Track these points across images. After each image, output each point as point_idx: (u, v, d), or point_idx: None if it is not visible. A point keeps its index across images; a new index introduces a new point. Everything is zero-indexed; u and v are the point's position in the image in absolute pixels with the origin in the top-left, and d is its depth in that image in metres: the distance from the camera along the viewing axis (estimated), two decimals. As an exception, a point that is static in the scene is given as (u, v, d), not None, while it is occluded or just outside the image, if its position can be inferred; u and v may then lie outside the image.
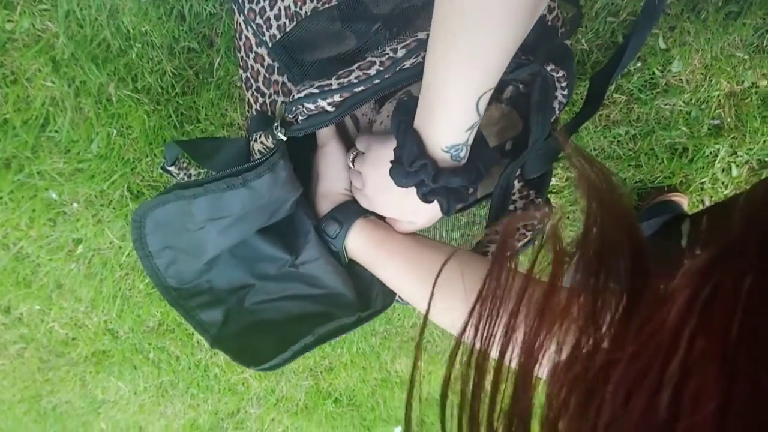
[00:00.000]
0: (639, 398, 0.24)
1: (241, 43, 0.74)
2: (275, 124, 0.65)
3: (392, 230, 0.73)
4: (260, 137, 0.72)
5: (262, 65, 0.73)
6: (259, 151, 0.74)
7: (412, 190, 0.64)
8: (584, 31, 0.98)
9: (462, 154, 0.61)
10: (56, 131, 1.08)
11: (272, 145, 0.70)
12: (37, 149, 1.11)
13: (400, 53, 0.61)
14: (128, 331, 1.58)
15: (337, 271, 0.78)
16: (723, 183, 1.21)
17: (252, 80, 0.75)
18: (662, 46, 1.00)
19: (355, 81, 0.61)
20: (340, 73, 0.63)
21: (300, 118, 0.65)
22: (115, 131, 1.09)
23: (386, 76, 0.62)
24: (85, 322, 1.57)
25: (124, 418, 1.91)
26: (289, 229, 0.77)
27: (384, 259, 0.71)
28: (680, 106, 1.09)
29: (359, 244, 0.73)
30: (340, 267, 0.79)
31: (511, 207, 0.84)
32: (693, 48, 1.00)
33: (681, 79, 1.05)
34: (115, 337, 1.61)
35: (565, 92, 0.72)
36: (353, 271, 0.81)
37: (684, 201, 1.21)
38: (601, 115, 1.11)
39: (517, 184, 0.82)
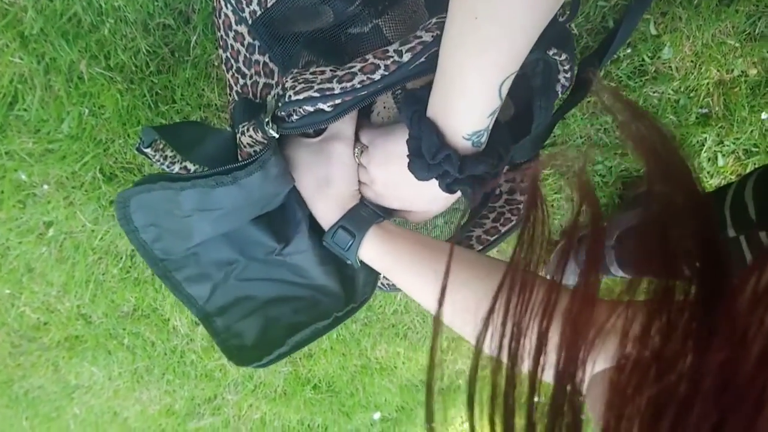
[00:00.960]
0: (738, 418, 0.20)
1: (220, 21, 0.70)
2: (266, 119, 0.62)
3: (408, 236, 0.69)
4: (248, 129, 0.69)
5: (242, 44, 0.70)
6: (247, 144, 0.71)
7: (431, 181, 0.62)
8: (574, 15, 0.95)
9: (483, 140, 0.59)
10: (25, 110, 1.04)
11: (262, 139, 0.67)
12: (5, 128, 1.06)
13: (405, 57, 0.58)
14: (102, 316, 1.54)
15: (324, 263, 0.78)
16: (708, 172, 1.21)
17: (232, 60, 0.71)
18: (653, 32, 0.98)
19: (358, 86, 0.59)
20: (341, 75, 0.60)
21: (294, 117, 0.62)
22: (86, 111, 1.04)
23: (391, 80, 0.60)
24: (57, 307, 1.52)
25: (99, 403, 1.87)
26: (280, 217, 0.75)
27: (402, 270, 0.67)
28: (669, 93, 1.07)
29: (374, 254, 0.69)
30: (327, 259, 0.78)
31: (495, 192, 0.83)
32: (684, 34, 0.98)
33: (671, 67, 1.03)
34: (89, 322, 1.57)
35: (568, 75, 0.70)
36: (341, 262, 0.80)
37: (669, 190, 1.20)
38: (588, 101, 1.09)
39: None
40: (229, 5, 0.68)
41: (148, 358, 1.69)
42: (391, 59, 0.59)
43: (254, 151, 0.71)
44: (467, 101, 0.55)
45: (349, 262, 0.71)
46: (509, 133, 0.65)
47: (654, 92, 1.07)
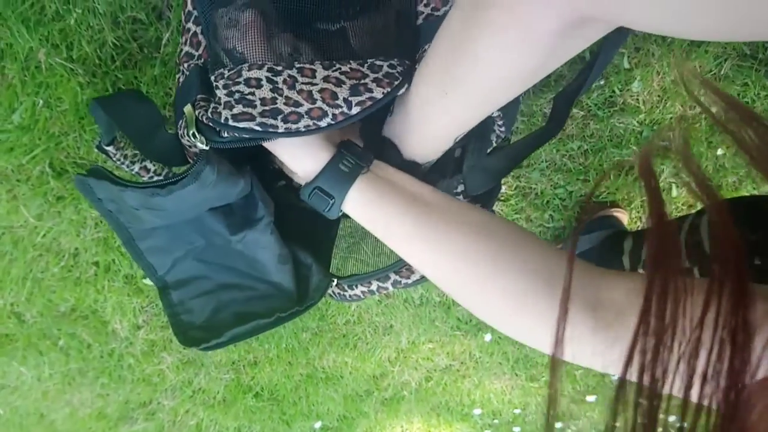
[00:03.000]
0: None
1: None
2: (191, 131, 0.60)
3: (400, 193, 0.59)
4: (185, 134, 0.66)
5: (184, 11, 0.69)
6: (188, 145, 0.69)
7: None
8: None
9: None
10: (-28, 96, 0.97)
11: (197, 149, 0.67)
12: (-53, 115, 0.99)
13: (354, 110, 0.57)
14: (36, 315, 1.46)
15: (282, 262, 0.80)
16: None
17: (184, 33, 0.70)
18: (626, 65, 1.01)
19: (303, 130, 0.56)
20: (286, 112, 0.57)
21: (225, 133, 0.59)
22: (41, 101, 0.98)
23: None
24: (-12, 305, 1.43)
25: (25, 404, 1.77)
26: (241, 209, 0.76)
27: (396, 241, 0.59)
28: (634, 125, 1.10)
29: (359, 216, 0.61)
30: (286, 258, 0.80)
31: None
32: (655, 70, 1.01)
33: (638, 99, 1.06)
34: (22, 320, 1.48)
35: (503, 129, 0.73)
36: (298, 259, 0.83)
37: (624, 217, 1.23)
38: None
39: (462, 200, 0.81)
40: None
41: (82, 360, 1.61)
42: (340, 110, 0.58)
43: (197, 152, 0.70)
44: (424, 137, 0.61)
45: (331, 218, 0.66)
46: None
47: (620, 123, 1.10)
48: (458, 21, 0.48)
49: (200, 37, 0.68)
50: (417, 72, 0.59)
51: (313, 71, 0.60)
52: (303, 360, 1.66)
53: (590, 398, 1.85)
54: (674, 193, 1.22)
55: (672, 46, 0.98)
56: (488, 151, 0.75)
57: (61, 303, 1.43)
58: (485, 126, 0.70)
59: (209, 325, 0.79)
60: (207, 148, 0.61)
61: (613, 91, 1.05)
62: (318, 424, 1.93)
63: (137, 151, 0.77)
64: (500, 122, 0.71)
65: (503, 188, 1.21)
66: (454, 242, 0.55)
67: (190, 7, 0.67)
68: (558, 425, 1.99)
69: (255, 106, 0.57)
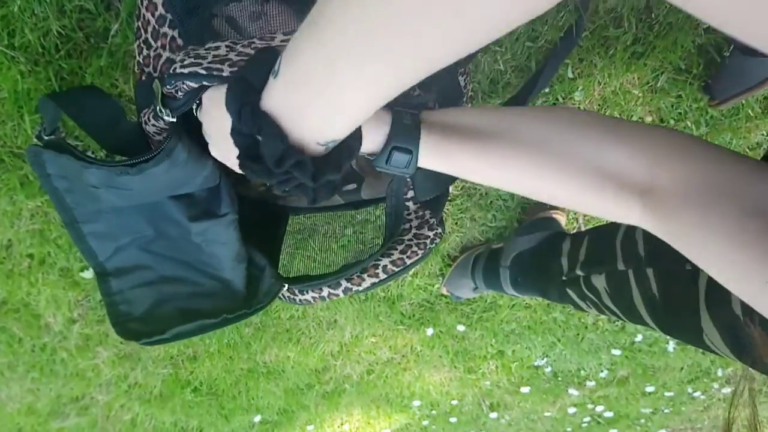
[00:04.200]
0: None
1: None
2: (157, 107, 0.60)
3: (467, 135, 0.56)
4: (149, 120, 0.66)
5: (153, 15, 0.66)
6: (154, 132, 0.69)
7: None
8: (502, 51, 0.99)
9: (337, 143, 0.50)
10: None
11: (165, 126, 0.66)
12: None
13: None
14: (-37, 308, 1.39)
15: (238, 260, 0.79)
16: (598, 204, 1.30)
17: (142, 30, 0.68)
18: (570, 75, 1.05)
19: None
20: (235, 59, 0.55)
21: (180, 93, 0.58)
22: (-24, 88, 0.93)
23: None
24: None
25: (-53, 400, 1.69)
26: (205, 201, 0.75)
27: (479, 177, 0.58)
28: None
29: (432, 158, 0.58)
30: (242, 256, 0.80)
31: (406, 226, 0.85)
32: (596, 80, 1.05)
33: (580, 107, 1.10)
34: (-55, 313, 1.41)
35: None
36: (252, 260, 0.82)
37: (562, 219, 1.28)
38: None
39: (412, 206, 0.83)
40: None
41: (12, 354, 1.55)
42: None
43: (163, 138, 0.69)
44: (337, 111, 0.45)
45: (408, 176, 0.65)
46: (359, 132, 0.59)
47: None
48: None
49: (179, 41, 0.67)
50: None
51: (273, 37, 0.60)
52: (244, 355, 1.65)
53: (524, 389, 1.92)
54: None
55: (614, 59, 1.02)
56: None
57: (-10, 296, 1.37)
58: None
59: (149, 318, 0.77)
60: (173, 119, 0.61)
61: (557, 99, 1.09)
62: (258, 418, 1.93)
63: (79, 143, 0.76)
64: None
65: (450, 188, 1.24)
66: (528, 152, 0.54)
67: (162, 10, 0.65)
68: (492, 416, 2.06)
69: (206, 58, 0.55)
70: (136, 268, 0.77)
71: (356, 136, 0.53)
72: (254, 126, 0.47)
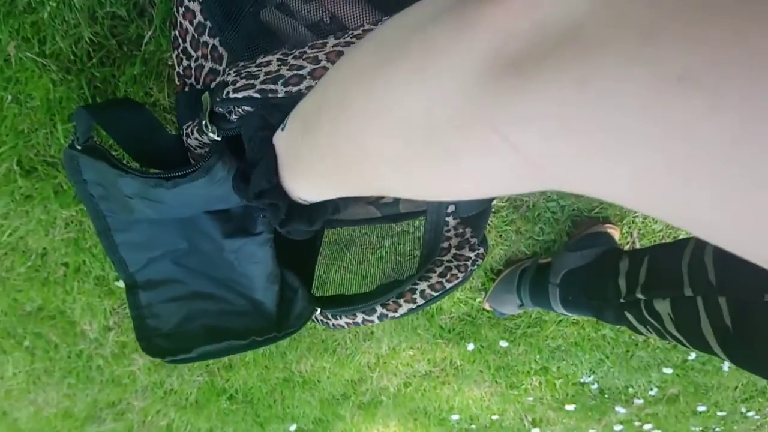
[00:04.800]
0: None
1: None
2: (204, 122, 0.57)
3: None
4: (192, 132, 0.63)
5: (192, 23, 0.63)
6: (195, 146, 0.65)
7: None
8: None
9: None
10: (-67, 89, 0.89)
11: (209, 141, 0.62)
12: None
13: None
14: (0, 314, 1.39)
15: (271, 281, 0.76)
16: (653, 219, 1.22)
17: (180, 39, 0.65)
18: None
19: (304, 90, 0.52)
20: (287, 76, 0.53)
21: (234, 117, 0.55)
22: (9, 97, 0.91)
23: None
24: (-53, 303, 1.35)
25: (-14, 403, 1.70)
26: (241, 218, 0.72)
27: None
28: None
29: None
30: (275, 277, 0.76)
31: (445, 244, 0.79)
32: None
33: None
34: (-17, 320, 1.41)
35: None
36: (285, 281, 0.78)
37: (616, 233, 1.21)
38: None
39: (452, 221, 0.77)
40: None
41: (49, 360, 1.55)
42: None
43: (204, 152, 0.67)
44: (315, 187, 0.47)
45: None
46: None
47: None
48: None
49: (221, 50, 0.63)
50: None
51: (325, 43, 0.56)
52: (280, 364, 1.61)
53: (569, 407, 1.84)
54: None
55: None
56: None
57: (27, 302, 1.36)
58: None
59: (176, 335, 0.74)
60: (218, 138, 0.59)
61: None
62: (293, 427, 1.89)
63: (113, 153, 0.73)
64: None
65: (495, 201, 1.17)
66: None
67: (200, 17, 0.62)
68: (535, 431, 1.98)
69: (258, 77, 0.53)
70: (166, 281, 0.75)
71: (338, 203, 0.55)
72: (257, 155, 0.50)
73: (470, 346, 1.57)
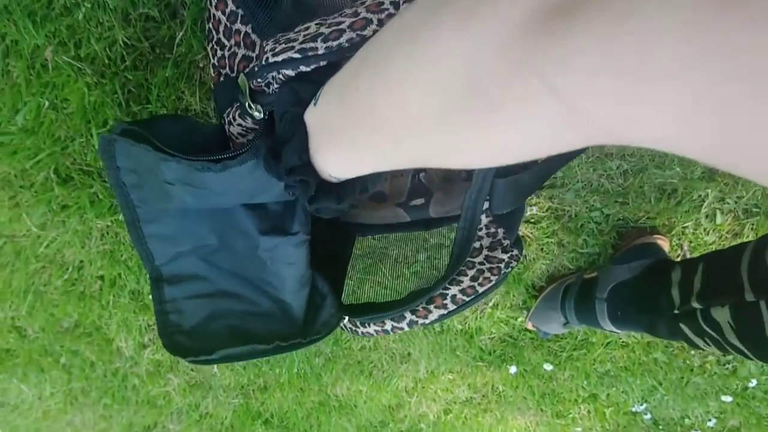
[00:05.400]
0: None
1: None
2: (246, 102, 0.56)
3: None
4: (234, 119, 0.62)
5: (224, 12, 0.62)
6: (238, 134, 0.65)
7: None
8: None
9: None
10: (-25, 95, 0.91)
11: (253, 125, 0.62)
12: (-51, 115, 0.93)
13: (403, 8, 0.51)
14: (38, 330, 1.40)
15: (302, 283, 0.74)
16: (705, 229, 1.16)
17: (213, 31, 0.65)
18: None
19: (346, 45, 0.50)
20: (327, 32, 0.51)
21: (273, 84, 0.53)
22: (47, 102, 0.92)
23: None
24: (-12, 318, 1.37)
25: (25, 424, 1.70)
26: (278, 217, 0.71)
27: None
28: (679, 144, 1.01)
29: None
30: (307, 280, 0.74)
31: (476, 244, 0.75)
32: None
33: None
34: (23, 335, 1.41)
35: None
36: (315, 285, 0.76)
37: (666, 244, 1.14)
38: (594, 146, 1.03)
39: (484, 219, 0.73)
40: None
41: (85, 379, 1.54)
42: (386, 12, 0.51)
43: (248, 140, 0.66)
44: (347, 162, 0.48)
45: None
46: None
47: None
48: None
49: (253, 36, 0.62)
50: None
51: (363, 1, 0.54)
52: (315, 386, 1.57)
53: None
54: (718, 220, 1.13)
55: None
56: None
57: (63, 318, 1.36)
58: None
59: (199, 334, 0.72)
60: (262, 116, 0.58)
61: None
62: (329, 455, 1.84)
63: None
64: None
65: (534, 209, 1.13)
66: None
67: (232, 6, 0.61)
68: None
69: (296, 40, 0.52)
70: (192, 277, 0.73)
71: (366, 182, 0.54)
72: (288, 132, 0.50)
73: (512, 370, 1.50)
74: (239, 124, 0.62)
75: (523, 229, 1.17)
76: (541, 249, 1.21)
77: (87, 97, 0.90)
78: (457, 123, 0.34)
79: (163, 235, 0.69)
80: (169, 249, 0.70)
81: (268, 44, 0.55)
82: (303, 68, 0.51)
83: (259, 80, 0.54)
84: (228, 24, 0.63)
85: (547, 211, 1.14)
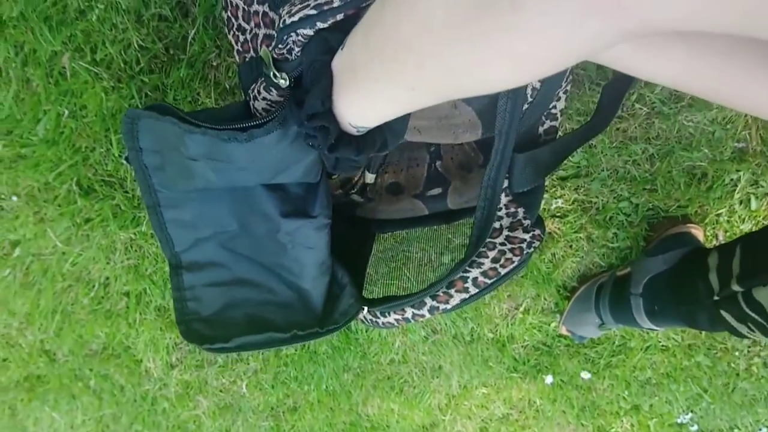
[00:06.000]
0: None
1: None
2: (271, 72, 0.56)
3: None
4: (259, 93, 0.62)
5: None
6: (263, 109, 0.64)
7: None
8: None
9: (370, 127, 0.53)
10: (-2, 107, 0.93)
11: (278, 98, 0.61)
12: (-26, 128, 0.96)
13: None
14: (67, 353, 1.40)
15: (322, 271, 0.73)
16: (740, 216, 1.11)
17: (233, 19, 0.65)
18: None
19: None
20: None
21: (295, 49, 0.52)
22: (66, 111, 0.94)
23: None
24: (18, 341, 1.38)
25: (58, 455, 1.69)
26: (300, 200, 0.70)
27: None
28: (704, 124, 0.98)
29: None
30: (327, 268, 0.74)
31: (496, 224, 0.72)
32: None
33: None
34: (52, 359, 1.42)
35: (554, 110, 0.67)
36: (335, 274, 0.75)
37: (700, 233, 1.09)
38: (617, 128, 1.00)
39: (504, 198, 0.71)
40: None
41: (116, 404, 1.53)
42: None
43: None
44: (368, 106, 0.49)
45: None
46: (404, 122, 0.58)
47: (689, 121, 0.98)
48: None
49: (271, 14, 0.63)
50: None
51: None
52: (345, 406, 1.53)
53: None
54: (753, 205, 1.08)
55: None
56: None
57: (92, 339, 1.36)
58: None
59: (216, 322, 0.71)
60: (289, 83, 0.57)
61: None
62: (365, 481, 1.78)
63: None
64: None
65: (559, 202, 1.10)
66: None
67: None
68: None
69: None
70: (211, 264, 0.72)
71: (386, 137, 0.55)
72: (314, 79, 0.51)
73: (549, 380, 1.44)
74: (264, 98, 0.62)
75: (549, 225, 1.13)
76: (570, 246, 1.17)
77: (104, 102, 0.92)
78: (480, 30, 0.34)
79: (183, 221, 0.69)
80: (189, 235, 0.70)
81: (284, 9, 0.55)
82: (320, 24, 0.51)
83: (280, 47, 0.54)
84: (245, 7, 0.63)
85: (573, 203, 1.11)
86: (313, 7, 0.50)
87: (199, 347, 0.70)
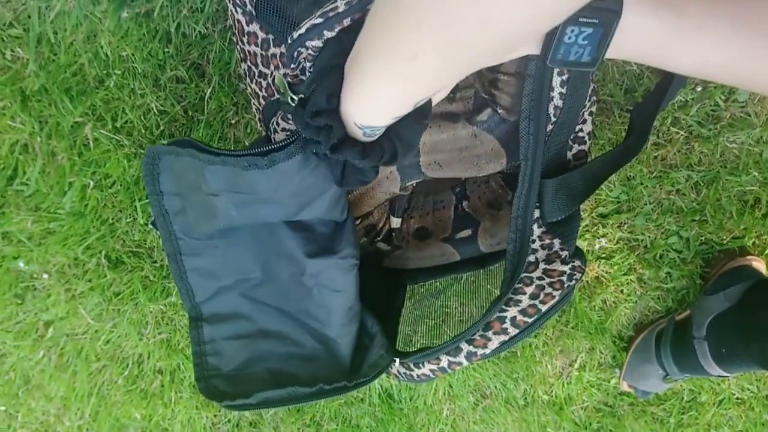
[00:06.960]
0: None
1: (236, 31, 0.64)
2: (288, 97, 0.54)
3: None
4: (278, 125, 0.61)
5: (257, 44, 0.62)
6: (283, 141, 0.62)
7: None
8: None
9: (378, 133, 0.50)
10: (25, 183, 0.94)
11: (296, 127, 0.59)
12: (3, 206, 0.97)
13: None
14: (106, 440, 1.35)
15: (351, 318, 0.70)
16: (808, 248, 1.02)
17: (253, 67, 0.64)
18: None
19: None
20: None
21: (307, 65, 0.51)
22: (91, 182, 0.94)
23: None
24: (56, 428, 1.34)
25: None
26: (326, 238, 0.67)
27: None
28: (749, 144, 0.92)
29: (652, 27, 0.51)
30: (356, 315, 0.70)
31: (531, 258, 0.68)
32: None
33: (748, 112, 0.89)
34: (91, 447, 1.37)
35: (564, 90, 0.59)
36: (364, 324, 0.72)
37: (761, 266, 1.01)
38: (655, 157, 0.95)
39: (537, 230, 0.66)
40: (237, 8, 0.61)
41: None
42: None
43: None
44: (368, 96, 0.46)
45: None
46: (418, 129, 0.54)
47: (731, 142, 0.92)
48: None
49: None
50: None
51: None
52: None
53: None
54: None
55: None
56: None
57: (129, 423, 1.32)
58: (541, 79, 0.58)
59: (237, 378, 0.67)
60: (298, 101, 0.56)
61: (716, 103, 0.89)
62: None
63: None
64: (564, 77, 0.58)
65: (603, 241, 1.03)
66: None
67: (262, 35, 0.61)
68: None
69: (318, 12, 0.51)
70: (233, 316, 0.69)
71: (395, 144, 0.53)
72: (321, 78, 0.49)
73: (614, 445, 1.32)
74: (283, 129, 0.61)
75: (595, 268, 1.06)
76: (621, 290, 1.10)
77: (127, 169, 0.92)
78: None
79: (205, 269, 0.67)
80: (211, 284, 0.68)
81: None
82: (328, 33, 0.50)
83: (293, 66, 0.53)
84: (263, 53, 0.63)
85: (618, 242, 1.04)
86: (319, 16, 0.49)
87: (219, 404, 0.65)
